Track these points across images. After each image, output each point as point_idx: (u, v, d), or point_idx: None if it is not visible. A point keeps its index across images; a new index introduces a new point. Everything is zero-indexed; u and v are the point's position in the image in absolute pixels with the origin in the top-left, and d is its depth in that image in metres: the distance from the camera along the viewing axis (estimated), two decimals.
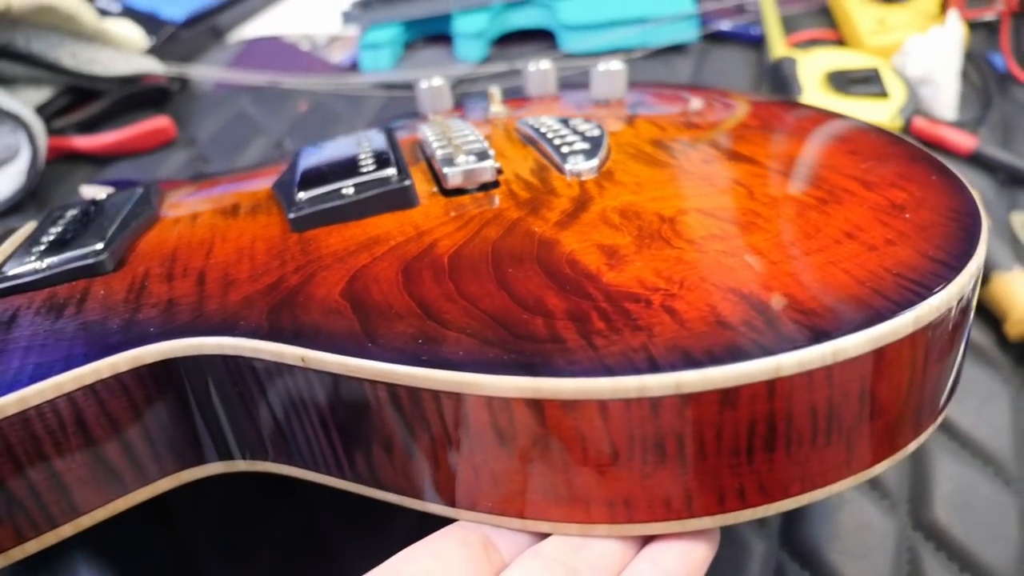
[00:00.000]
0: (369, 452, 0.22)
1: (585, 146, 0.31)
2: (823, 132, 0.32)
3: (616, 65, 0.41)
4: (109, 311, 0.24)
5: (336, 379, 0.21)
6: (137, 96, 0.59)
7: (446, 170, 0.28)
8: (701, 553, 0.20)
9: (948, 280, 0.20)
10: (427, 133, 0.34)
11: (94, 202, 0.33)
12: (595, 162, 0.29)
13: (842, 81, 0.57)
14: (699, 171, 0.29)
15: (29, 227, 0.32)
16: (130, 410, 0.23)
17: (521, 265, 0.23)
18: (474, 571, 0.20)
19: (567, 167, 0.29)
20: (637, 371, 0.18)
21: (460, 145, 0.31)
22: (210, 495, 0.35)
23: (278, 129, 0.58)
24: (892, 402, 0.20)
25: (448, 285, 0.23)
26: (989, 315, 0.43)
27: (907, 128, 0.53)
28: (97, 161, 0.57)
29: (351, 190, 0.28)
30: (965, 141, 0.53)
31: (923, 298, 0.20)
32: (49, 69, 0.55)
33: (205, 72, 0.67)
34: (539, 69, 0.44)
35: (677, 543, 0.20)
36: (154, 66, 0.61)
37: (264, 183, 0.34)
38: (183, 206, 0.33)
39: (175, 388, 0.23)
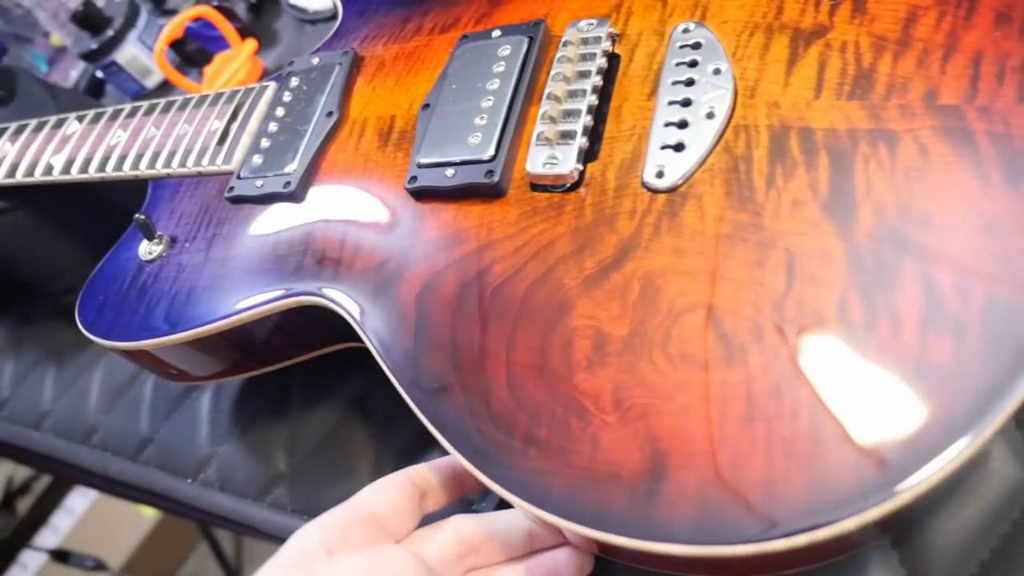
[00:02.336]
0: None
1: (684, 139, 0.29)
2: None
3: None
4: (290, 249, 0.35)
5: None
6: None
7: (529, 168, 0.31)
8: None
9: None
10: (552, 77, 0.33)
11: (306, 77, 0.40)
12: (676, 180, 0.29)
13: None
14: (770, 230, 0.27)
15: (269, 94, 0.42)
16: (300, 317, 0.36)
17: (531, 329, 0.28)
18: (412, 518, 0.30)
19: (644, 176, 0.29)
20: (531, 500, 0.26)
21: (557, 118, 0.31)
22: None
23: None
24: None
25: (476, 329, 0.29)
26: None
27: None
28: None
29: (452, 172, 0.32)
30: None
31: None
32: None
33: None
34: None
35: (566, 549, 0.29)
36: None
37: (438, 56, 0.38)
38: (367, 102, 0.39)
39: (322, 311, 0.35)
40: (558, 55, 0.34)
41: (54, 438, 0.57)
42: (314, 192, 0.37)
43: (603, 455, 0.25)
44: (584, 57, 0.33)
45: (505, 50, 0.35)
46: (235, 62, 0.56)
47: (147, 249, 0.39)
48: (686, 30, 0.33)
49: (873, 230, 0.26)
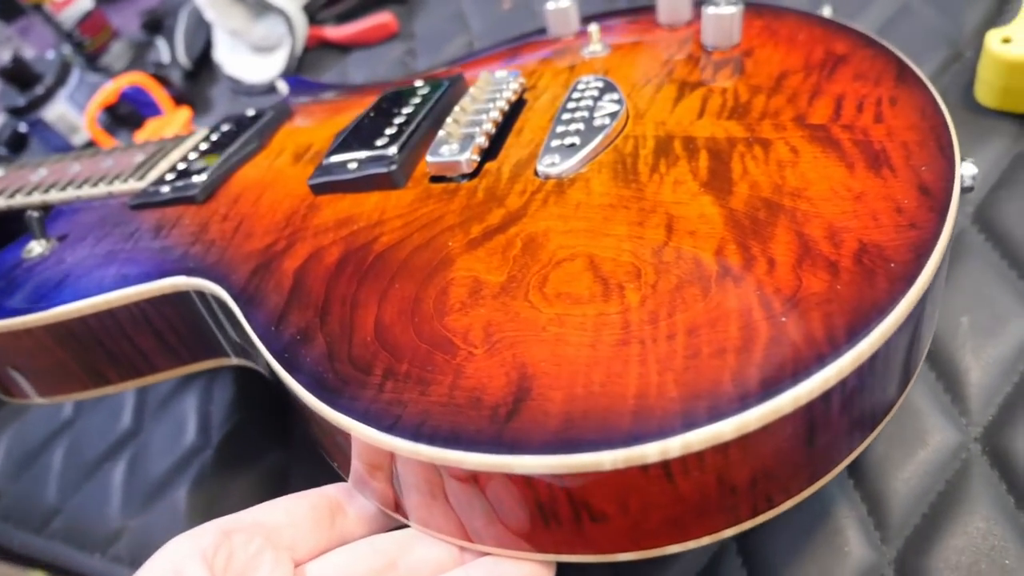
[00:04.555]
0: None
1: (577, 140, 0.31)
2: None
3: (728, 8, 0.37)
4: (179, 240, 0.34)
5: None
6: None
7: (428, 158, 0.32)
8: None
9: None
10: (462, 100, 0.36)
11: (237, 121, 0.42)
12: (567, 167, 0.30)
13: None
14: (651, 200, 0.28)
15: (197, 136, 0.43)
16: (172, 310, 0.33)
17: (407, 282, 0.27)
18: (317, 534, 0.26)
19: (539, 167, 0.30)
20: (379, 427, 0.22)
21: (462, 124, 0.33)
22: None
23: (478, 28, 0.60)
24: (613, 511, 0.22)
25: (352, 286, 0.28)
26: None
27: None
28: (341, 49, 0.66)
29: (354, 165, 0.33)
30: None
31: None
32: None
33: None
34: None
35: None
36: None
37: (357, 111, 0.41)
38: (289, 136, 0.41)
39: (195, 302, 0.33)
40: (470, 88, 0.37)
41: None
42: (218, 196, 0.37)
43: (465, 382, 0.23)
44: (494, 91, 0.36)
45: (424, 90, 0.38)
46: (168, 129, 0.58)
47: (31, 247, 0.37)
48: (588, 81, 0.36)
49: (748, 199, 0.27)
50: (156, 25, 0.77)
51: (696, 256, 0.25)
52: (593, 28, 0.40)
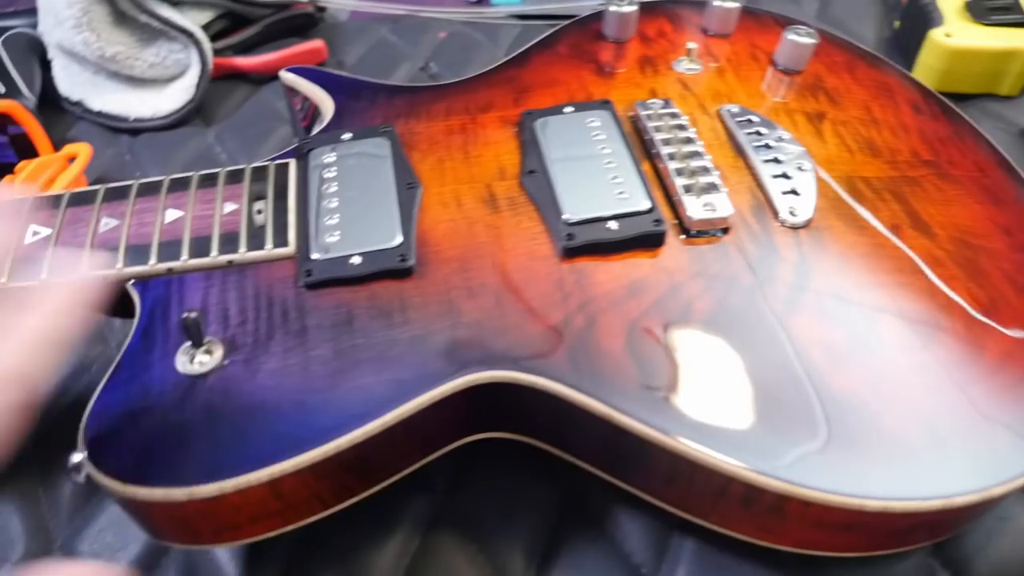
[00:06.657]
0: (636, 471, 0.31)
1: (795, 186, 0.35)
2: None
3: (808, 39, 0.42)
4: (430, 325, 0.30)
5: (635, 434, 0.28)
6: (286, 21, 0.61)
7: (691, 214, 0.33)
8: None
9: None
10: (652, 131, 0.37)
11: (348, 148, 0.36)
12: (808, 216, 0.34)
13: (980, 9, 0.57)
14: (888, 246, 0.34)
15: (294, 172, 0.35)
16: (453, 408, 0.30)
17: (768, 350, 0.30)
18: None
19: (781, 216, 0.34)
20: (847, 493, 0.27)
21: (694, 171, 0.35)
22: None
23: (421, 54, 0.62)
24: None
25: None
26: None
27: None
28: (255, 80, 0.59)
29: (615, 225, 0.33)
30: None
31: None
32: None
33: (352, 3, 0.67)
34: (723, 6, 0.45)
35: None
36: None
37: (490, 123, 0.39)
38: (439, 171, 0.37)
39: (489, 390, 0.30)
40: (652, 124, 0.37)
41: None
42: (435, 263, 0.32)
43: (895, 434, 0.28)
44: (676, 127, 0.37)
45: (594, 122, 0.37)
46: (49, 173, 0.45)
47: (196, 360, 0.29)
48: (732, 111, 0.39)
49: (949, 239, 0.35)
50: None
51: (960, 297, 0.33)
52: (692, 46, 0.42)
